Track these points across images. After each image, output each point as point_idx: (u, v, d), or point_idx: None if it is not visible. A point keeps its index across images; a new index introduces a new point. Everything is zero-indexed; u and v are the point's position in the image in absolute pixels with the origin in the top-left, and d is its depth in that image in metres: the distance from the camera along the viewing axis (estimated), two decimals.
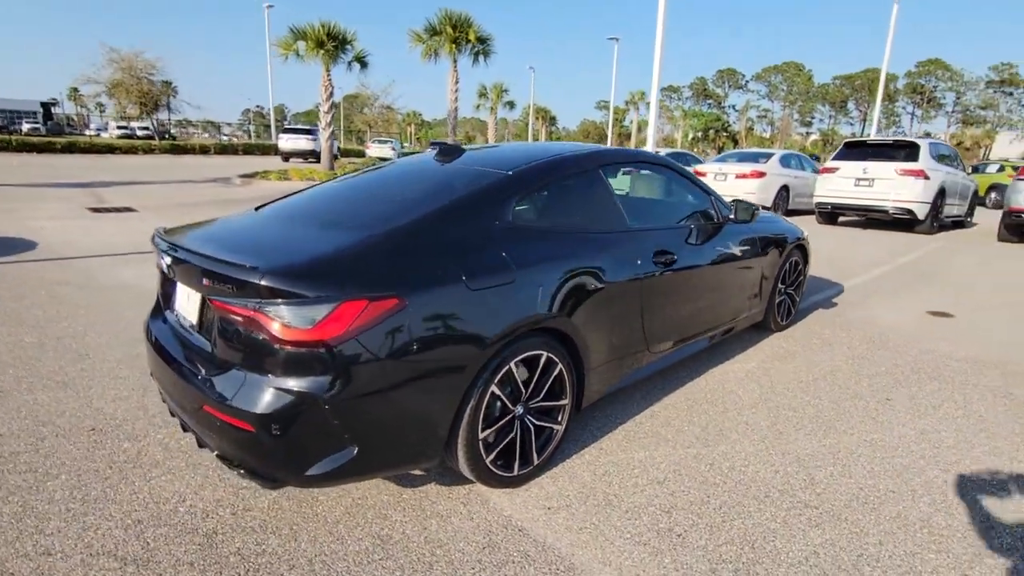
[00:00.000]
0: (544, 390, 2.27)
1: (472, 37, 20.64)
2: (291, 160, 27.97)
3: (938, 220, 10.27)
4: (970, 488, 2.32)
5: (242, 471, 1.80)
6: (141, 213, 9.24)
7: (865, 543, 1.97)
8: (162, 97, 32.60)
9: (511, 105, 54.94)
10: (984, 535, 2.03)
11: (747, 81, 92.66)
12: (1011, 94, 71.52)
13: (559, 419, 2.36)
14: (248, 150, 35.34)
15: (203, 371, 1.85)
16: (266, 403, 1.67)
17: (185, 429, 2.10)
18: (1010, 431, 2.83)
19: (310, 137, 28.00)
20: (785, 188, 12.55)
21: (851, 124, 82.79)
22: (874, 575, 1.82)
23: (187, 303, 2.05)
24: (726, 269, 3.31)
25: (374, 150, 34.15)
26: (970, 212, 12.23)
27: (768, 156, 12.83)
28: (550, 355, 2.22)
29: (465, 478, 2.20)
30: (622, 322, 2.58)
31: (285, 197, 2.82)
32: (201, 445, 1.99)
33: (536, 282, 2.14)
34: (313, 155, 28.25)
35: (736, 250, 3.40)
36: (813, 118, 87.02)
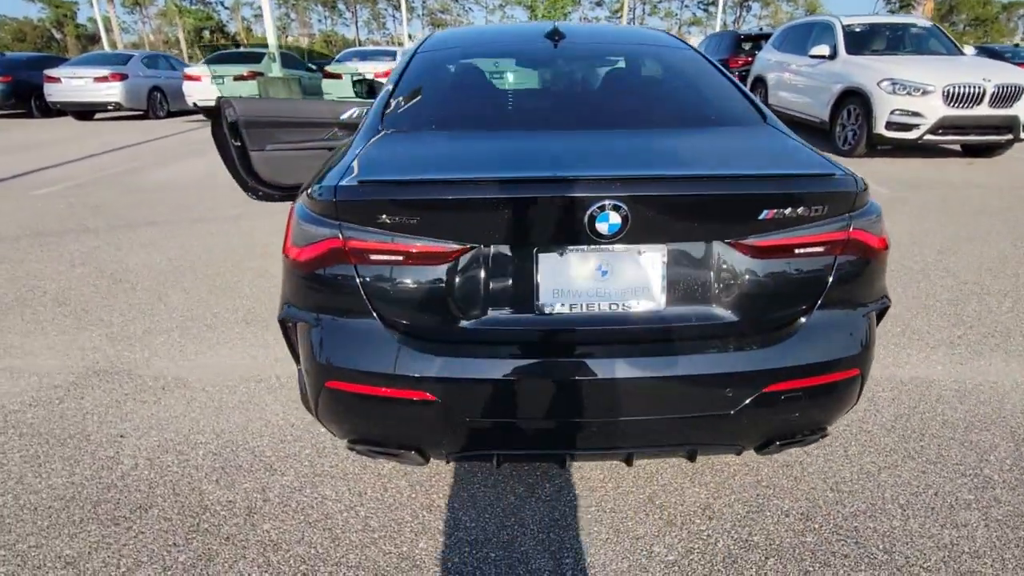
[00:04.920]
0: None
1: None
2: None
3: None
4: None
5: (813, 434, 1.56)
6: None
7: None
8: None
9: None
10: None
11: None
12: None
13: None
14: None
15: (733, 347, 1.44)
16: (867, 334, 1.50)
17: (629, 463, 1.65)
18: None
19: None
20: None
21: (347, 25, 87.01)
22: None
23: (599, 280, 1.45)
24: None
25: None
26: None
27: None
28: None
29: None
30: None
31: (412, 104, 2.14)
32: (693, 459, 1.63)
33: None
34: None
35: None
36: (311, 19, 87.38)
